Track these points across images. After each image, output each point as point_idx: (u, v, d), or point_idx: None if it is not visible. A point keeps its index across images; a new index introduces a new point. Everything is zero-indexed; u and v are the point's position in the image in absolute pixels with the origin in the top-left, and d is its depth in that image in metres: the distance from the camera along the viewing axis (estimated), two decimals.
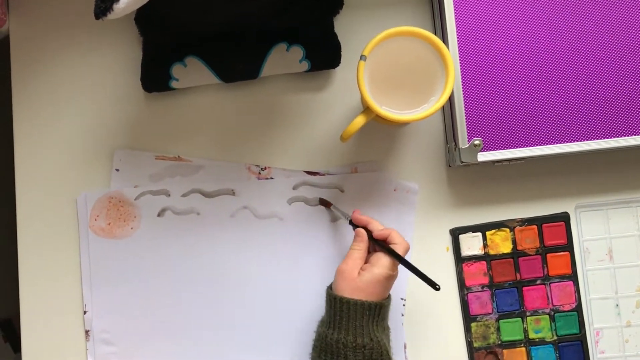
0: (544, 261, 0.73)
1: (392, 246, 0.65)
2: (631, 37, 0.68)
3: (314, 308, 0.73)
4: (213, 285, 0.73)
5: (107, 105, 0.75)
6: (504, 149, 0.69)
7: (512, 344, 0.73)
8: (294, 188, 0.74)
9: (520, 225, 0.74)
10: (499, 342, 0.73)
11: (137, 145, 0.74)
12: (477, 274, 0.73)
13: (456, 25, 0.68)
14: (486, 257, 0.74)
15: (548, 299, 0.73)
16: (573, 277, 0.73)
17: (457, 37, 0.68)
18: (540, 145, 0.69)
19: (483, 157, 0.69)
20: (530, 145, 0.69)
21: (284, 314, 0.73)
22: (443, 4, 0.69)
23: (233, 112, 0.75)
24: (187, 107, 0.75)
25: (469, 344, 0.73)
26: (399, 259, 0.65)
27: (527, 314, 0.73)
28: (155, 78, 0.72)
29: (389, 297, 0.66)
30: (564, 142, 0.69)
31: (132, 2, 0.56)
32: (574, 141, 0.69)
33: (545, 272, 0.73)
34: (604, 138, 0.68)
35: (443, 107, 0.73)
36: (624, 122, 0.68)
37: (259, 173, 0.74)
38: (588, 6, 0.68)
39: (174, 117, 0.75)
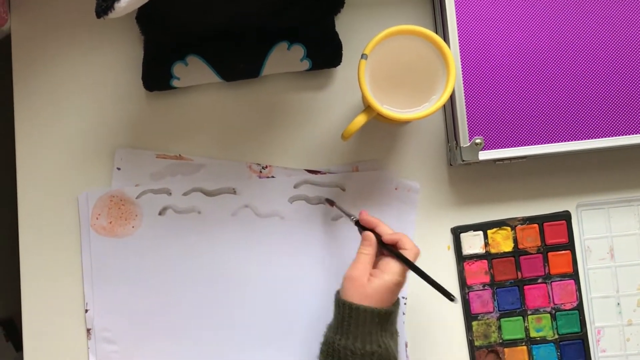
0: (545, 260, 0.73)
1: (402, 251, 0.63)
2: (633, 35, 0.68)
3: (315, 307, 0.73)
4: (214, 283, 0.73)
5: (108, 104, 0.75)
6: (505, 147, 0.69)
7: (513, 343, 0.73)
8: (295, 187, 0.74)
9: (521, 224, 0.74)
10: (500, 341, 0.73)
11: (138, 144, 0.74)
12: (478, 273, 0.73)
13: (457, 23, 0.68)
14: (487, 256, 0.74)
15: (549, 297, 0.73)
16: (574, 275, 0.73)
17: (458, 36, 0.68)
18: (542, 143, 0.69)
19: (484, 155, 0.69)
20: (531, 144, 0.69)
21: (284, 312, 0.73)
22: (444, 3, 0.69)
23: (234, 110, 0.75)
24: (188, 106, 0.75)
25: (470, 343, 0.73)
26: (412, 266, 0.63)
27: (529, 312, 0.73)
28: (156, 77, 0.72)
29: (397, 302, 0.64)
30: (565, 141, 0.69)
31: (133, 1, 0.56)
32: (575, 140, 0.68)
33: (547, 271, 0.73)
34: (606, 137, 0.68)
35: (444, 105, 0.73)
36: (625, 121, 0.68)
37: (260, 172, 0.74)
38: (589, 4, 0.68)
39: (175, 115, 0.75)
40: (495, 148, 0.69)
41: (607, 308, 0.73)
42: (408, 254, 0.63)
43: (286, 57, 0.71)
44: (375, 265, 0.65)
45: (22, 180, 0.74)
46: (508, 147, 0.69)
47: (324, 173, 0.74)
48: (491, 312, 0.73)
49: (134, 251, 0.73)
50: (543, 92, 0.68)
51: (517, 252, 0.73)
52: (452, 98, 0.70)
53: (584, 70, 0.68)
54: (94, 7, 0.57)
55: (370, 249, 0.65)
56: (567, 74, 0.68)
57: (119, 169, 0.74)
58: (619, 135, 0.68)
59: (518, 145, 0.69)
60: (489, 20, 0.69)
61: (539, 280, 0.73)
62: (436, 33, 0.65)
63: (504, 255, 0.73)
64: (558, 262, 0.73)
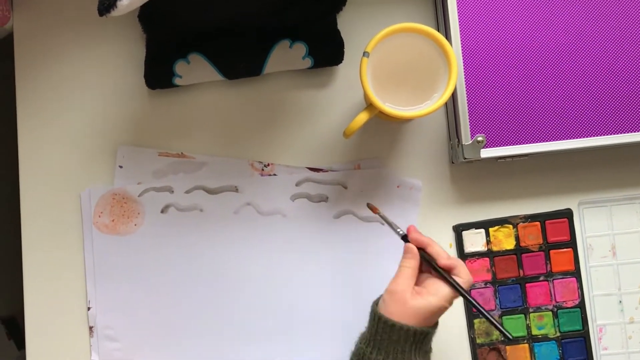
0: (547, 257, 0.73)
1: (455, 279, 0.61)
2: (635, 33, 0.68)
3: (317, 304, 0.73)
4: (216, 281, 0.73)
5: (110, 102, 0.75)
6: (507, 145, 0.69)
7: (515, 341, 0.73)
8: (297, 184, 0.74)
9: (523, 222, 0.74)
10: (502, 339, 0.73)
11: (140, 142, 0.74)
12: (480, 271, 0.73)
13: (459, 21, 0.68)
14: (489, 254, 0.74)
15: (551, 295, 0.73)
16: (576, 273, 0.73)
17: (460, 34, 0.68)
18: (544, 141, 0.69)
19: (486, 153, 0.69)
20: (533, 142, 0.69)
21: (286, 309, 0.73)
22: (446, 1, 0.69)
23: (236, 109, 0.75)
24: (191, 104, 0.75)
25: (472, 340, 0.73)
26: (466, 297, 0.60)
27: (530, 310, 0.73)
28: (158, 75, 0.72)
29: (436, 324, 0.62)
30: (567, 139, 0.69)
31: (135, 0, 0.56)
32: (577, 137, 0.68)
33: (549, 269, 0.73)
34: (608, 134, 0.68)
35: (446, 103, 0.73)
36: (627, 119, 0.68)
37: (262, 169, 0.74)
38: (591, 2, 0.68)
39: (177, 113, 0.75)
40: (497, 146, 0.69)
41: (609, 306, 0.73)
42: (462, 282, 0.60)
43: (288, 55, 0.71)
44: (420, 282, 0.62)
45: (25, 178, 0.74)
46: (510, 144, 0.69)
47: (326, 171, 0.74)
48: (493, 310, 0.73)
49: (136, 249, 0.73)
50: (545, 90, 0.68)
51: (519, 250, 0.73)
52: (453, 96, 0.70)
53: (586, 67, 0.68)
54: (96, 5, 0.57)
55: (414, 262, 0.62)
56: (569, 71, 0.68)
57: (121, 166, 0.74)
58: (621, 133, 0.68)
59: (520, 143, 0.69)
60: (490, 17, 0.69)
61: (541, 278, 0.73)
62: (438, 31, 0.65)
63: (506, 253, 0.74)
64: (560, 259, 0.73)
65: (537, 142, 0.69)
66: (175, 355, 0.73)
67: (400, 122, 0.75)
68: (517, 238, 0.74)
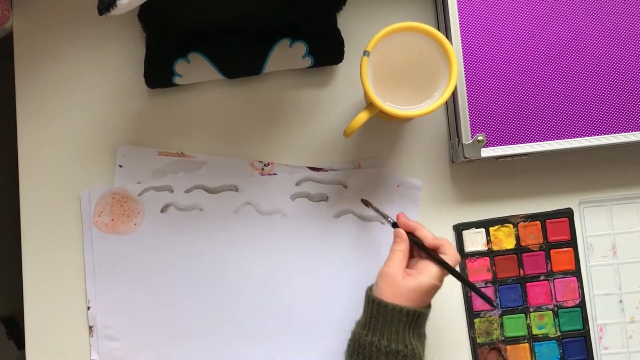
0: (548, 257, 0.73)
1: (442, 257, 0.63)
2: (635, 33, 0.68)
3: (316, 303, 0.73)
4: (216, 280, 0.73)
5: (110, 102, 0.75)
6: (507, 144, 0.69)
7: (515, 340, 0.73)
8: (297, 184, 0.74)
9: (523, 221, 0.74)
10: (503, 338, 0.73)
11: (140, 142, 0.74)
12: (480, 270, 0.73)
13: (459, 20, 0.68)
14: (489, 253, 0.74)
15: (551, 294, 0.73)
16: (576, 273, 0.73)
17: (461, 33, 0.68)
18: (544, 141, 0.69)
19: (486, 152, 0.69)
20: (533, 141, 0.69)
21: (286, 309, 0.73)
22: (446, 0, 0.69)
23: (236, 108, 0.75)
24: (190, 103, 0.75)
25: (472, 340, 0.73)
26: (452, 272, 0.63)
27: (531, 309, 0.73)
28: (158, 74, 0.72)
29: (429, 306, 0.64)
30: (567, 138, 0.68)
31: None
32: (577, 137, 0.68)
33: (549, 268, 0.73)
34: (608, 134, 0.68)
35: (446, 102, 0.73)
36: (627, 118, 0.68)
37: (262, 169, 0.74)
38: (592, 0, 0.68)
39: (177, 113, 0.75)
40: (497, 145, 0.69)
41: (609, 305, 0.73)
42: (449, 260, 0.63)
43: (288, 55, 0.71)
44: (411, 266, 0.64)
45: (25, 178, 0.74)
46: (510, 144, 0.69)
47: (326, 170, 0.74)
48: (493, 310, 0.73)
49: (136, 248, 0.73)
50: (545, 89, 0.68)
51: (520, 250, 0.73)
52: (454, 95, 0.70)
53: (586, 66, 0.68)
54: (96, 5, 0.57)
55: (403, 245, 0.65)
56: (569, 70, 0.68)
57: (120, 166, 0.74)
58: (622, 132, 0.68)
59: (520, 143, 0.69)
60: (491, 17, 0.68)
61: (541, 278, 0.73)
62: (438, 30, 0.65)
63: (506, 252, 0.73)
64: (560, 259, 0.73)
65: (537, 141, 0.69)
66: (174, 354, 0.73)
67: (401, 122, 0.74)
68: (517, 237, 0.74)
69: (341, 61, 0.73)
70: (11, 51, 0.75)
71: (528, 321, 0.73)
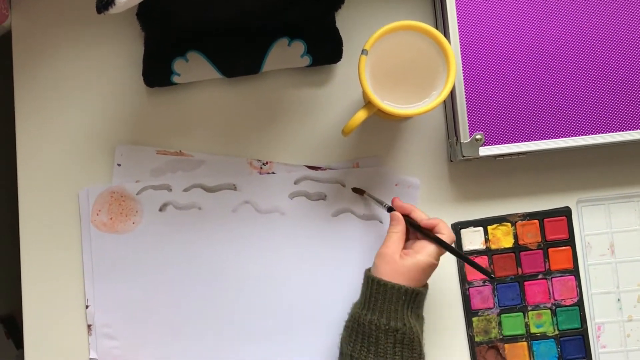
0: (546, 256, 0.73)
1: (438, 236, 0.65)
2: (632, 31, 0.68)
3: (315, 301, 0.73)
4: (214, 279, 0.73)
5: (109, 100, 0.75)
6: (505, 143, 0.69)
7: (513, 339, 0.73)
8: (296, 183, 0.74)
9: (521, 220, 0.74)
10: (501, 337, 0.73)
11: (138, 140, 0.74)
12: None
13: (457, 19, 0.68)
14: (488, 252, 0.74)
15: (549, 293, 0.73)
16: (574, 271, 0.73)
17: (459, 31, 0.68)
18: (542, 139, 0.69)
19: (484, 151, 0.69)
20: (531, 140, 0.69)
21: (284, 307, 0.73)
22: None
23: (235, 107, 0.75)
24: (189, 102, 0.75)
25: (471, 339, 0.73)
26: (449, 248, 0.64)
27: (529, 308, 0.73)
28: (157, 73, 0.72)
29: (426, 286, 0.66)
30: (565, 137, 0.69)
31: None
32: (575, 135, 0.69)
33: (547, 267, 0.73)
34: (606, 132, 0.68)
35: (444, 101, 0.73)
36: (625, 116, 0.68)
37: (261, 168, 0.74)
38: (590, 0, 0.68)
39: (176, 112, 0.75)
40: (495, 144, 0.69)
41: (607, 304, 0.73)
42: (444, 238, 0.65)
43: (287, 53, 0.71)
44: (408, 247, 0.66)
45: (23, 177, 0.74)
46: (508, 142, 0.69)
47: (325, 169, 0.74)
48: (491, 308, 0.73)
49: (134, 247, 0.73)
50: (544, 88, 0.68)
51: (518, 248, 0.73)
52: (452, 94, 0.70)
53: (584, 65, 0.68)
54: (94, 3, 0.57)
55: (400, 227, 0.66)
56: (567, 69, 0.68)
57: (119, 165, 0.74)
58: (620, 131, 0.68)
59: (518, 141, 0.69)
60: (489, 15, 0.69)
61: (540, 276, 0.73)
62: (436, 29, 0.65)
63: (505, 251, 0.74)
64: (558, 258, 0.73)
65: (535, 140, 0.69)
66: (173, 353, 0.73)
67: (399, 120, 0.75)
68: (515, 236, 0.74)
69: (339, 60, 0.73)
70: (10, 50, 0.75)
71: (526, 320, 0.73)
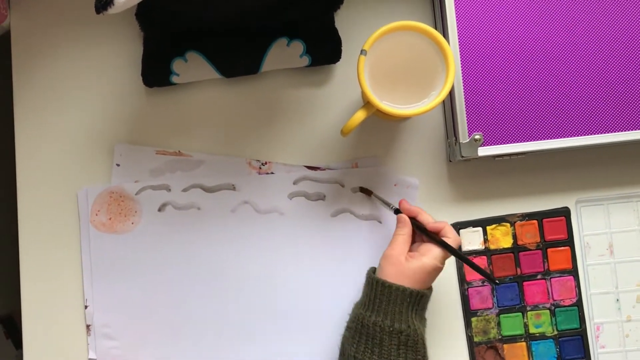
0: (545, 256, 0.73)
1: (444, 239, 0.65)
2: (631, 32, 0.68)
3: (314, 302, 0.73)
4: (213, 279, 0.73)
5: (108, 100, 0.75)
6: (504, 143, 0.69)
7: (512, 339, 0.73)
8: (295, 183, 0.74)
9: (520, 220, 0.74)
10: (500, 337, 0.73)
11: (137, 140, 0.74)
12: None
13: (456, 19, 0.68)
14: (487, 252, 0.74)
15: (548, 293, 0.73)
16: (573, 271, 0.73)
17: (458, 32, 0.68)
18: (541, 139, 0.69)
19: (483, 151, 0.69)
20: (530, 140, 0.69)
21: (284, 307, 0.73)
22: None
23: (234, 107, 0.75)
24: (188, 102, 0.75)
25: (470, 339, 0.73)
26: (454, 252, 0.64)
27: (528, 308, 0.73)
28: (156, 73, 0.72)
29: (430, 288, 0.66)
30: (564, 137, 0.69)
31: None
32: (574, 136, 0.69)
33: (546, 267, 0.73)
34: (605, 132, 0.68)
35: (443, 101, 0.73)
36: (624, 117, 0.68)
37: (260, 168, 0.74)
38: (588, 1, 0.68)
39: (175, 112, 0.75)
40: (494, 144, 0.69)
41: (606, 304, 0.74)
42: (450, 242, 0.65)
43: (286, 53, 0.71)
44: (414, 250, 0.66)
45: (22, 176, 0.74)
46: (507, 143, 0.69)
47: (324, 169, 0.74)
48: (490, 308, 0.73)
49: (133, 247, 0.73)
50: (542, 88, 0.68)
51: (517, 248, 0.74)
52: (451, 94, 0.70)
53: (583, 65, 0.68)
54: (93, 3, 0.57)
55: (406, 229, 0.67)
56: (566, 69, 0.68)
57: (118, 165, 0.74)
58: (619, 131, 0.68)
59: (517, 141, 0.69)
60: (488, 16, 0.69)
61: (538, 277, 0.73)
62: (435, 29, 0.65)
63: (503, 251, 0.74)
64: (557, 258, 0.73)
65: (534, 140, 0.69)
66: (172, 353, 0.73)
67: (398, 121, 0.75)
68: (514, 236, 0.74)
69: (338, 60, 0.73)
70: (9, 50, 0.75)
71: (525, 320, 0.73)
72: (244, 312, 0.73)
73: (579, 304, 0.73)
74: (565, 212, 0.74)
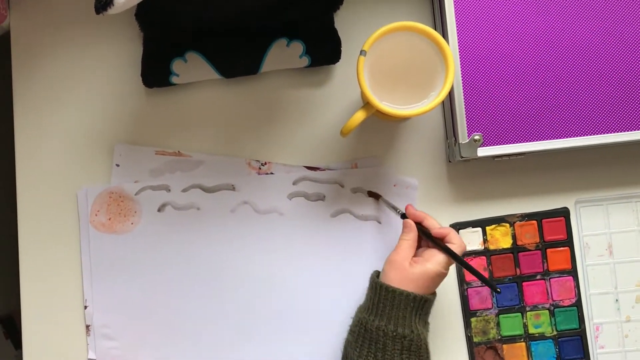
0: (544, 256, 0.73)
1: (449, 245, 0.64)
2: (630, 32, 0.68)
3: (314, 302, 0.73)
4: (213, 279, 0.73)
5: (107, 101, 0.75)
6: (503, 144, 0.69)
7: (511, 339, 0.73)
8: (294, 183, 0.74)
9: (520, 221, 0.74)
10: (499, 337, 0.73)
11: (137, 141, 0.74)
12: (477, 269, 0.73)
13: (456, 20, 0.68)
14: (486, 252, 0.74)
15: (548, 294, 0.73)
16: (573, 272, 0.74)
17: (457, 32, 0.68)
18: (540, 140, 0.69)
19: (483, 152, 0.69)
20: (530, 140, 0.69)
21: (283, 308, 0.73)
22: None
23: (233, 107, 0.75)
24: (188, 103, 0.75)
25: (469, 339, 0.73)
26: (458, 259, 0.64)
27: (527, 309, 0.73)
28: (155, 73, 0.72)
29: (434, 294, 0.66)
30: (564, 137, 0.69)
31: None
32: (574, 136, 0.69)
33: (545, 267, 0.73)
34: (604, 133, 0.68)
35: (443, 102, 0.73)
36: (624, 117, 0.68)
37: (259, 168, 0.74)
38: (588, 1, 0.68)
39: (174, 112, 0.75)
40: (494, 144, 0.69)
41: (605, 304, 0.74)
42: (455, 248, 0.64)
43: (285, 54, 0.71)
44: (418, 255, 0.66)
45: (22, 177, 0.74)
46: (507, 143, 0.69)
47: (323, 169, 0.74)
48: (490, 309, 0.73)
49: (133, 247, 0.73)
50: (542, 89, 0.69)
51: (516, 249, 0.74)
52: (450, 94, 0.70)
53: (582, 66, 0.68)
54: (93, 4, 0.57)
55: (412, 235, 0.66)
56: (566, 70, 0.68)
57: (118, 165, 0.74)
58: (618, 132, 0.68)
59: (517, 142, 0.69)
60: (487, 16, 0.69)
61: (538, 277, 0.73)
62: (435, 29, 0.65)
63: (503, 251, 0.74)
64: (557, 258, 0.73)
65: (534, 140, 0.69)
66: (172, 353, 0.73)
67: (397, 121, 0.75)
68: (514, 237, 0.74)
69: (338, 61, 0.73)
70: (8, 50, 0.75)
71: (524, 320, 0.73)
72: (244, 312, 0.73)
73: (578, 304, 0.73)
74: (564, 213, 0.74)
